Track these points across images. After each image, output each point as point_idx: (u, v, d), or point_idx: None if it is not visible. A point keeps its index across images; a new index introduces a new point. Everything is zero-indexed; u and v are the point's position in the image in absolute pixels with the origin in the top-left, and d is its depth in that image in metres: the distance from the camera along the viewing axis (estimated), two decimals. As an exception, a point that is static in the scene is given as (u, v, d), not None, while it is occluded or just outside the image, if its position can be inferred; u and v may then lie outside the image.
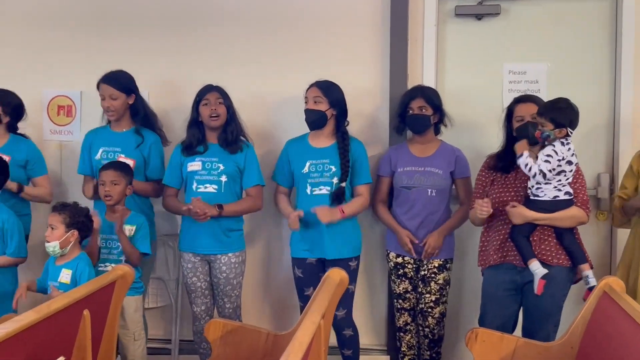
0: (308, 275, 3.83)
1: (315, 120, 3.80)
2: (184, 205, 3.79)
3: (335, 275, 3.00)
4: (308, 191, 3.80)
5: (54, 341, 2.67)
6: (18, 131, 4.13)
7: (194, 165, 3.85)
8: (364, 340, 4.23)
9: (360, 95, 4.15)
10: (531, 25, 4.16)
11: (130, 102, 3.95)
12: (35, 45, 4.44)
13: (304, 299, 3.84)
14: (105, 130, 4.03)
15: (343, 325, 3.78)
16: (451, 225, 3.86)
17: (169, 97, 4.36)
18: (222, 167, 3.82)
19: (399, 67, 4.13)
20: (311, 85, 3.83)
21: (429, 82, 4.09)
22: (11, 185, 3.87)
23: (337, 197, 3.77)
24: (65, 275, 3.42)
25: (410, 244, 3.79)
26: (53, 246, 3.42)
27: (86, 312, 2.85)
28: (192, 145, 3.88)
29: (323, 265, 3.82)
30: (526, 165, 3.31)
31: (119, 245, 3.67)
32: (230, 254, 3.84)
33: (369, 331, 4.33)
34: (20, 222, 3.79)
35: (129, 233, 3.68)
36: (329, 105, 3.79)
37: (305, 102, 3.83)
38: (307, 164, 3.83)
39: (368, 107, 4.22)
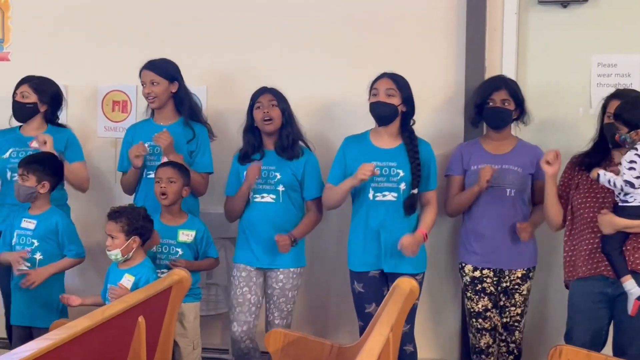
0: (370, 290, 3.73)
1: (387, 115, 3.68)
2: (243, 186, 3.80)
3: (405, 285, 2.96)
4: (370, 196, 3.70)
5: (108, 349, 2.71)
6: (58, 121, 4.22)
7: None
8: (433, 354, 4.20)
9: (432, 89, 4.11)
10: (623, 12, 4.03)
11: (173, 90, 3.98)
12: (91, 38, 4.55)
13: (364, 317, 3.72)
14: (148, 124, 4.06)
15: (405, 340, 3.64)
16: (534, 218, 3.76)
17: (227, 93, 4.41)
18: (278, 176, 3.82)
19: (476, 59, 4.07)
20: (382, 76, 3.72)
21: (508, 75, 3.99)
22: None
23: (411, 207, 3.67)
24: (126, 281, 3.47)
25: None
26: (115, 254, 3.48)
27: (141, 319, 2.89)
28: (248, 154, 3.88)
29: (386, 279, 3.73)
30: (609, 181, 3.20)
31: (177, 251, 3.72)
32: (291, 268, 3.85)
33: (437, 346, 4.30)
34: (72, 223, 3.89)
35: (187, 238, 3.73)
36: (401, 100, 3.68)
37: (374, 95, 3.71)
38: None
39: (441, 102, 4.17)
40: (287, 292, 3.83)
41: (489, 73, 4.06)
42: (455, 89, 4.16)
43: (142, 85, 3.98)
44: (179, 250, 3.73)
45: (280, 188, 3.82)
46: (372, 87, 3.73)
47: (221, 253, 4.32)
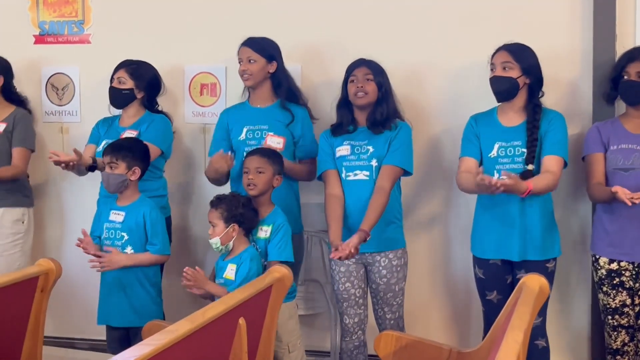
0: (491, 278, 3.75)
1: (504, 90, 3.65)
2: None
3: (534, 283, 2.85)
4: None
5: (209, 352, 2.71)
6: (158, 107, 4.28)
7: (342, 149, 3.83)
8: (559, 356, 4.07)
9: (554, 60, 3.93)
10: None
11: (271, 70, 3.98)
12: (176, 17, 4.55)
13: (486, 304, 3.79)
14: (244, 107, 4.08)
15: (536, 334, 3.62)
16: None
17: (322, 71, 4.37)
18: (371, 150, 3.77)
19: (605, 25, 3.91)
20: (499, 49, 3.70)
21: (643, 44, 3.83)
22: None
23: None
24: (230, 271, 3.52)
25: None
26: (215, 243, 3.55)
27: (242, 321, 2.88)
28: (342, 125, 3.85)
29: (511, 266, 3.70)
30: None
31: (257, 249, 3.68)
32: (390, 254, 3.78)
33: (563, 347, 4.18)
34: (162, 216, 3.91)
35: (264, 235, 3.67)
36: (521, 71, 3.63)
37: (492, 70, 3.70)
38: (496, 146, 3.68)
39: (565, 75, 4.03)
40: (394, 286, 3.80)
41: (620, 41, 3.91)
42: (582, 60, 4.01)
43: (239, 62, 3.99)
44: (259, 247, 3.68)
45: (374, 163, 3.77)
46: (490, 62, 3.71)
47: (317, 248, 4.31)
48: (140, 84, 4.16)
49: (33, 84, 4.78)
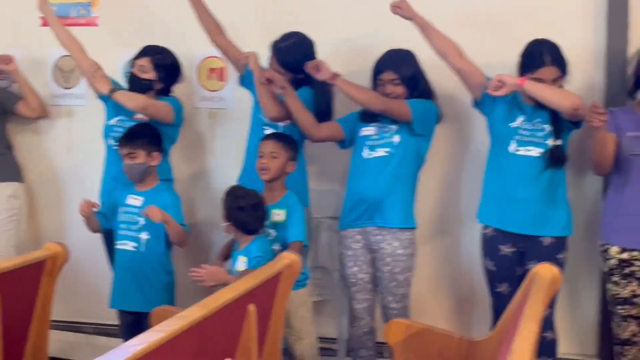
0: (501, 270, 3.71)
1: None
2: None
3: (546, 272, 2.83)
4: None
5: (218, 339, 2.70)
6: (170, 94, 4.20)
7: (368, 130, 3.83)
8: (567, 347, 4.05)
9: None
10: None
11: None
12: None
13: (496, 295, 3.75)
14: None
15: (545, 326, 3.59)
16: None
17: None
18: (395, 128, 3.77)
19: (618, 24, 3.86)
20: (545, 65, 3.58)
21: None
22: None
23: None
24: (242, 263, 3.53)
25: None
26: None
27: (251, 307, 2.87)
28: (371, 113, 3.82)
29: (521, 258, 3.68)
30: None
31: (269, 233, 3.67)
32: (395, 242, 3.75)
33: (572, 337, 4.15)
34: (179, 200, 3.90)
35: (278, 218, 3.68)
36: (564, 77, 3.65)
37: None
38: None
39: (577, 75, 3.85)
40: (398, 275, 3.77)
41: (635, 41, 3.86)
42: (595, 60, 3.98)
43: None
44: (272, 231, 3.70)
45: (396, 139, 3.77)
46: (531, 77, 3.57)
47: (325, 234, 4.30)
48: (161, 75, 4.07)
49: (40, 67, 4.75)
